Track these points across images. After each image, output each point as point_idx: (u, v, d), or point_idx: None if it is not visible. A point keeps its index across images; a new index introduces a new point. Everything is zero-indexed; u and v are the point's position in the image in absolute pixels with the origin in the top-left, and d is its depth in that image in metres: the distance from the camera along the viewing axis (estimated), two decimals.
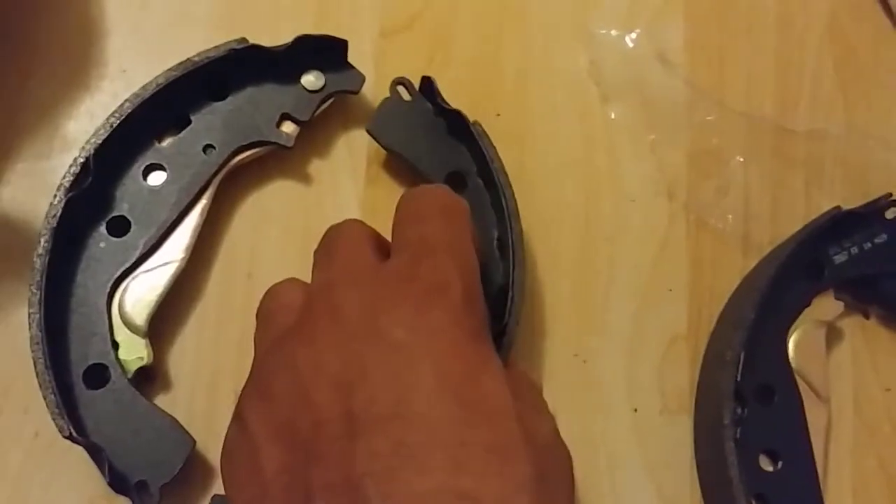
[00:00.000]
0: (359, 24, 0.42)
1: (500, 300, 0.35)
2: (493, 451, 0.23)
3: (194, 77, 0.36)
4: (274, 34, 0.38)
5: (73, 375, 0.33)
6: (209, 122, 0.37)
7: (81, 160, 0.34)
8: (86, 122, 0.39)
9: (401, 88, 0.39)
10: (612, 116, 0.41)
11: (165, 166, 0.36)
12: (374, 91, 0.40)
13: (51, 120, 0.39)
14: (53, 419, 0.31)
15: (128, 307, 0.34)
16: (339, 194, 0.39)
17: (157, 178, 0.36)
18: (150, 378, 0.35)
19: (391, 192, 0.39)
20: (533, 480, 0.23)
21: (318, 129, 0.39)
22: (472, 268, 0.28)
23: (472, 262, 0.28)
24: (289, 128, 0.38)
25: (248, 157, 0.38)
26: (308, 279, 0.37)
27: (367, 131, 0.38)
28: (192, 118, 0.37)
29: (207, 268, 0.37)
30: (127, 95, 0.36)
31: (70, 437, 0.31)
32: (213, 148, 0.37)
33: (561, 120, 0.41)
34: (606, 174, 0.40)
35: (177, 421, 0.33)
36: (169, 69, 0.36)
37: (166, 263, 0.35)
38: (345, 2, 0.42)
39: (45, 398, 0.31)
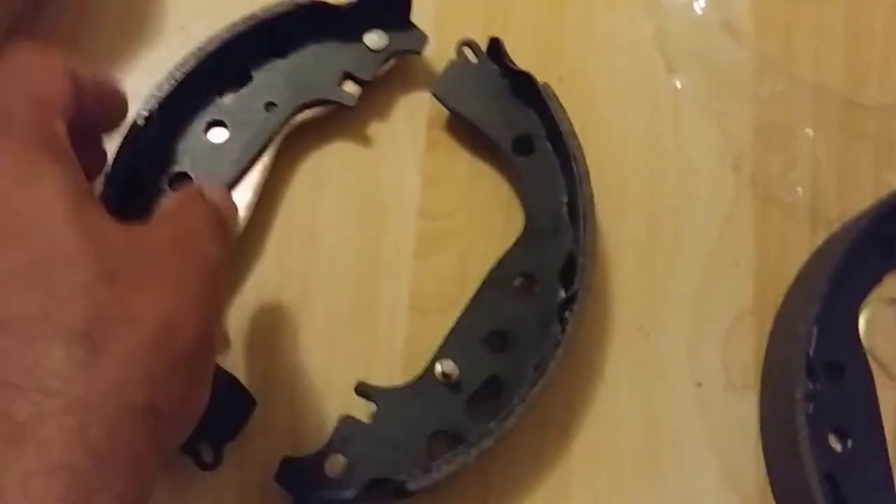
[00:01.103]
0: None
1: (570, 266, 0.34)
2: (33, 267, 0.22)
3: (258, 32, 0.35)
4: None
5: None
6: (271, 79, 0.36)
7: (145, 113, 0.33)
8: (144, 77, 0.37)
9: (467, 50, 0.38)
10: (678, 85, 0.40)
11: (227, 123, 0.35)
12: (435, 52, 0.39)
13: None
14: None
15: None
16: (399, 157, 0.38)
17: (218, 135, 0.35)
18: None
19: (452, 156, 0.38)
20: (95, 283, 0.22)
21: (378, 89, 0.38)
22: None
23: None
24: (350, 87, 0.37)
25: (309, 116, 0.37)
26: (366, 244, 0.36)
27: (433, 94, 0.37)
28: (254, 75, 0.36)
29: (266, 228, 0.37)
30: (185, 51, 0.35)
31: None
32: (275, 106, 0.36)
33: (625, 87, 0.40)
34: (671, 144, 0.39)
35: (239, 381, 0.32)
36: (233, 23, 0.35)
37: None
38: None
39: None
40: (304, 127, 0.37)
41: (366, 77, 0.37)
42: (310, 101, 0.36)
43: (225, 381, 0.32)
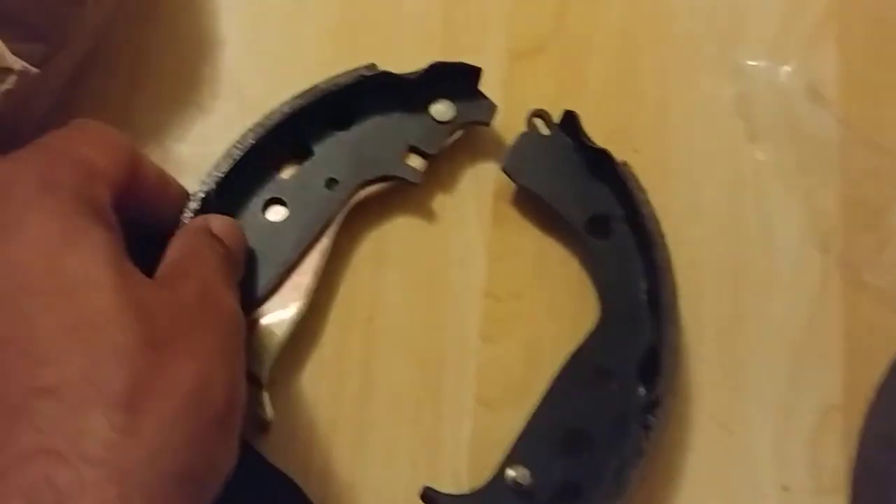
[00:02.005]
0: (485, 46, 0.39)
1: (650, 361, 0.32)
2: (76, 330, 0.22)
3: (320, 105, 0.34)
4: (396, 56, 0.35)
5: None
6: (332, 153, 0.34)
7: (202, 194, 0.31)
8: (199, 146, 0.36)
9: (538, 121, 0.35)
10: (761, 157, 0.38)
11: (286, 201, 0.33)
12: (503, 119, 0.37)
13: (160, 142, 0.36)
14: None
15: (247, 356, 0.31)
16: (465, 233, 0.36)
17: (277, 214, 0.33)
18: (264, 430, 0.32)
19: (520, 232, 0.36)
20: (135, 349, 0.22)
21: (443, 161, 0.36)
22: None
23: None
24: (416, 161, 0.35)
25: (370, 192, 0.35)
26: (430, 327, 0.34)
27: (503, 170, 0.35)
28: (315, 149, 0.34)
29: (325, 312, 0.34)
30: (241, 117, 0.33)
31: None
32: (337, 182, 0.34)
33: (704, 158, 0.38)
34: (753, 221, 0.37)
35: (296, 483, 0.30)
36: (294, 96, 0.33)
37: (286, 307, 0.32)
38: (471, 22, 0.39)
39: None
40: (365, 202, 0.35)
41: (432, 150, 0.35)
42: (372, 178, 0.34)
43: (281, 483, 0.30)
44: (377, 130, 0.35)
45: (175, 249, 0.27)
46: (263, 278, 0.32)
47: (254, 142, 0.32)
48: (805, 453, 0.34)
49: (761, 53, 0.39)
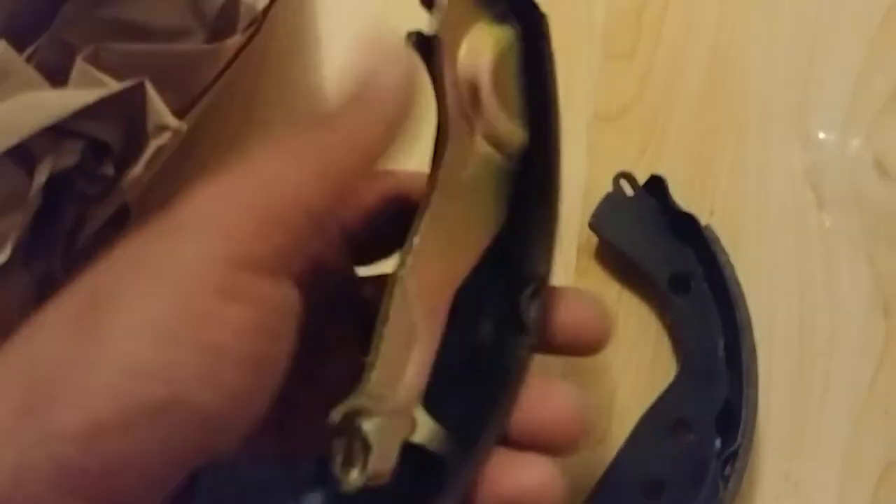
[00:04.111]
0: (572, 110, 0.41)
1: (728, 416, 0.34)
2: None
3: None
4: None
5: None
6: None
7: None
8: None
9: (624, 182, 0.38)
10: (829, 224, 0.40)
11: None
12: (588, 178, 0.39)
13: None
14: None
15: None
16: None
17: None
18: None
19: (602, 286, 0.38)
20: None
21: None
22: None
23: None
24: None
25: None
26: None
27: (589, 225, 0.37)
28: None
29: None
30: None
31: None
32: None
33: (775, 223, 0.40)
34: (821, 284, 0.39)
35: None
36: None
37: None
38: (560, 85, 0.41)
39: None
40: None
41: None
42: None
43: None
44: None
45: None
46: None
47: None
48: None
49: (832, 126, 0.41)
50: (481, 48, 0.25)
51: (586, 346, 0.28)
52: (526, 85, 0.27)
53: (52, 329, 0.19)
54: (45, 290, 0.31)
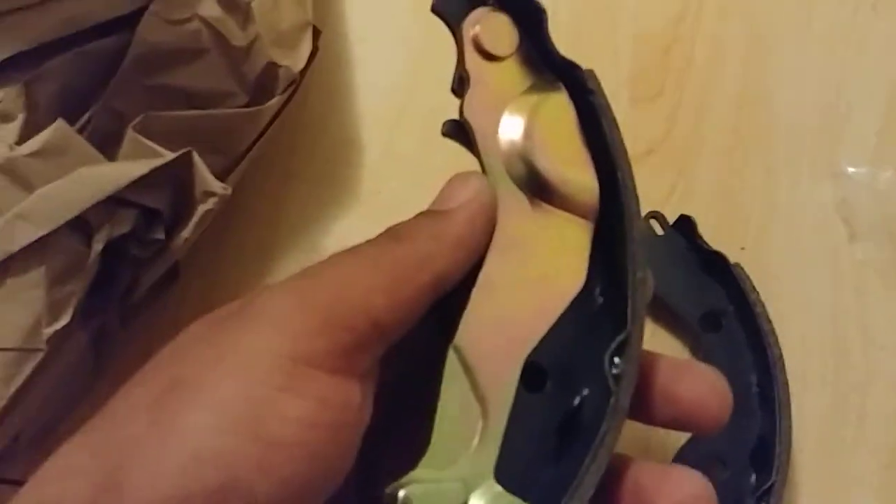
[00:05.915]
0: None
1: (762, 451, 0.34)
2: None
3: None
4: None
5: None
6: None
7: None
8: (342, 241, 0.39)
9: (653, 222, 0.39)
10: (860, 256, 0.40)
11: None
12: None
13: (308, 235, 0.40)
14: None
15: None
16: None
17: None
18: None
19: None
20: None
21: None
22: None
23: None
24: None
25: None
26: None
27: None
28: None
29: None
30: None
31: None
32: None
33: (806, 257, 0.40)
34: (854, 317, 0.39)
35: None
36: None
37: None
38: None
39: None
40: None
41: None
42: None
43: None
44: None
45: None
46: None
47: None
48: None
49: (862, 160, 0.42)
50: (523, 118, 0.25)
51: (705, 424, 0.26)
52: (589, 140, 0.27)
53: (131, 411, 0.21)
54: (100, 345, 0.33)
